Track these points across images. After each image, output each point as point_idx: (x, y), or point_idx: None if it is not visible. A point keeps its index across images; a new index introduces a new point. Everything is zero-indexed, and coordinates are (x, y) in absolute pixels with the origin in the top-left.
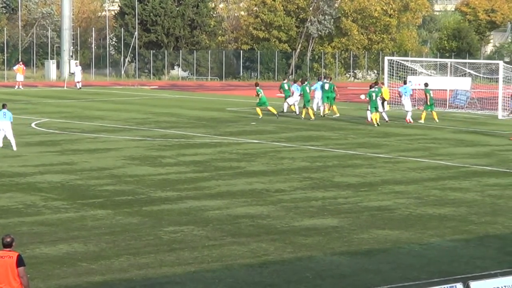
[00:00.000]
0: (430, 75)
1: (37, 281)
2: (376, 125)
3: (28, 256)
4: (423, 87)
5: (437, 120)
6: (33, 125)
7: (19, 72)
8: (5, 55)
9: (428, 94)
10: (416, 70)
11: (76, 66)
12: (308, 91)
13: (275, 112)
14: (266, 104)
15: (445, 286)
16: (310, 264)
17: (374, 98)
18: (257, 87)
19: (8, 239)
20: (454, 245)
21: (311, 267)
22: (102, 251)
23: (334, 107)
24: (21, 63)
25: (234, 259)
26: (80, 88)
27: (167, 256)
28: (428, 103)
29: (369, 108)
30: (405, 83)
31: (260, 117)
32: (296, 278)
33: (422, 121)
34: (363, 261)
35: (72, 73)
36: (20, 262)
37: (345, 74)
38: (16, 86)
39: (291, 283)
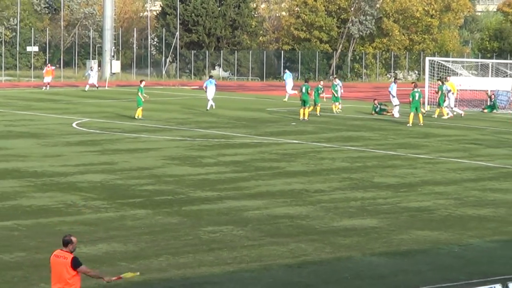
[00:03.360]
0: (471, 76)
1: None
2: (409, 125)
3: None
4: (465, 87)
5: (436, 117)
6: (74, 125)
7: (48, 74)
8: (47, 55)
9: (440, 91)
10: (456, 71)
11: (91, 69)
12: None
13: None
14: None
15: (485, 287)
16: (349, 265)
17: (417, 98)
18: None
19: (66, 238)
20: (493, 246)
21: (350, 268)
22: (141, 251)
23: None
24: (49, 65)
25: (273, 259)
26: (91, 89)
27: (206, 256)
28: (438, 100)
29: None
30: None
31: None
32: (335, 278)
33: (435, 115)
34: (402, 261)
35: (114, 73)
36: (75, 264)
37: (386, 74)
38: (44, 87)
39: (330, 284)
